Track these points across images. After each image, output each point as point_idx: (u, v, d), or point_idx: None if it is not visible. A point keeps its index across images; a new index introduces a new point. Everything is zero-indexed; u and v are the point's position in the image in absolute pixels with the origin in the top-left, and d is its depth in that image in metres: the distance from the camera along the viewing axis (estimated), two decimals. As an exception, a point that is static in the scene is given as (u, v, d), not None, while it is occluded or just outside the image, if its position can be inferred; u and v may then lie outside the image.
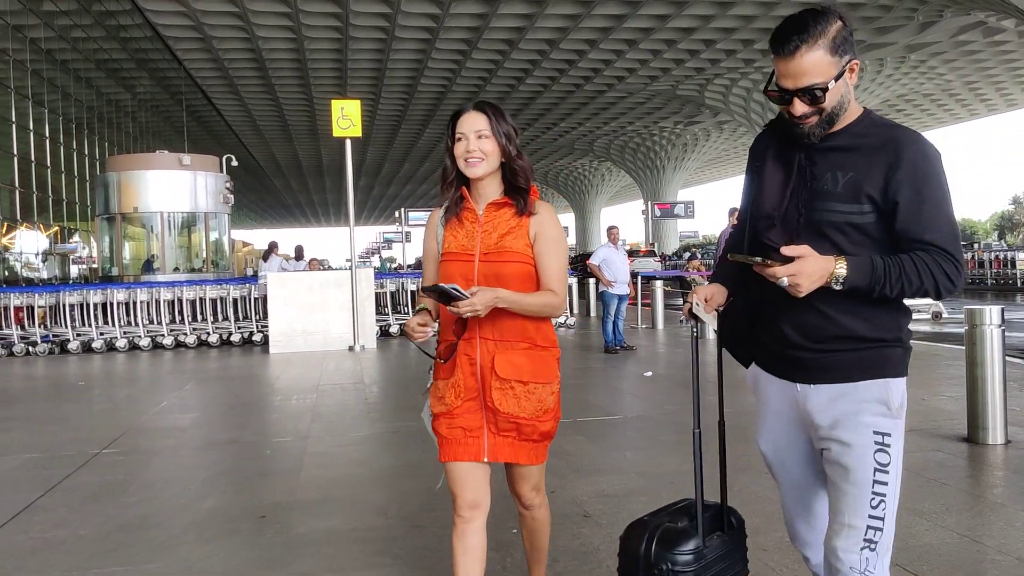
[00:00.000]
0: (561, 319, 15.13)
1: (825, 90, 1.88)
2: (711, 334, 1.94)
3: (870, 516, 1.95)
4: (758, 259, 1.90)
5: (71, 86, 31.65)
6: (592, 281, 16.97)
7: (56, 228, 30.07)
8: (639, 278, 15.68)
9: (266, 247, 18.16)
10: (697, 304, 2.25)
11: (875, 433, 1.95)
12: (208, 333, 13.59)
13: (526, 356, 2.44)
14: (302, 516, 4.28)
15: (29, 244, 27.96)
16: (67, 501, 4.65)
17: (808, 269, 1.83)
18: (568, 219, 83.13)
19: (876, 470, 1.94)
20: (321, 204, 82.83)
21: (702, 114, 45.24)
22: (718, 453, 2.37)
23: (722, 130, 49.99)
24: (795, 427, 2.12)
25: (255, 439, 6.32)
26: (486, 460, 2.47)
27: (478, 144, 2.41)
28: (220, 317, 13.90)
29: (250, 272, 33.08)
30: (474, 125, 2.42)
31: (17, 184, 26.88)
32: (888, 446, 1.95)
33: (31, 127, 27.94)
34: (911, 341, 2.08)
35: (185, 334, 13.52)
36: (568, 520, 3.95)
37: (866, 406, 1.96)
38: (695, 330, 2.36)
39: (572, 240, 79.12)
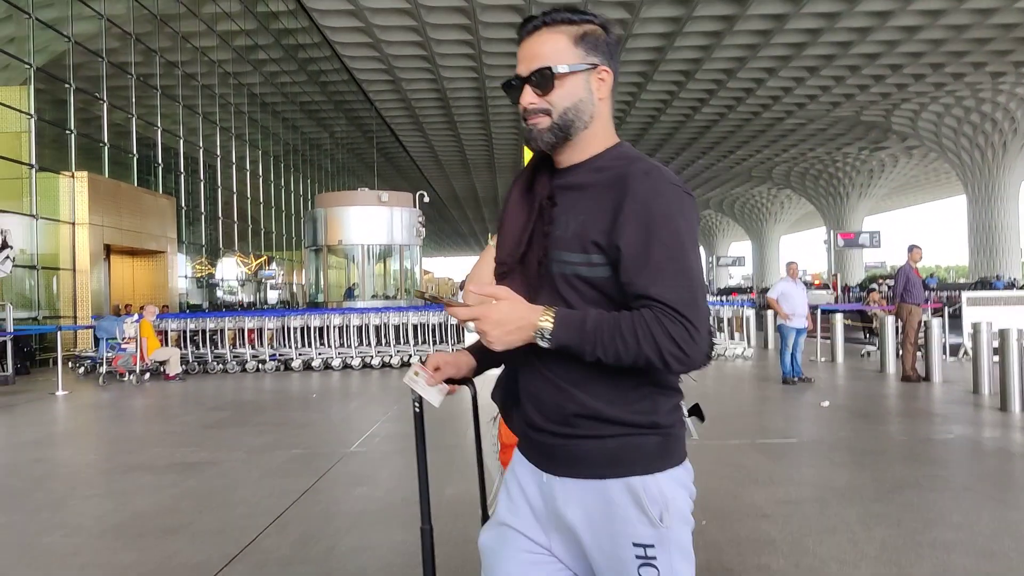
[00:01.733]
0: (739, 350, 15.55)
1: (554, 74, 1.57)
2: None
3: None
4: (435, 296, 1.61)
5: (278, 128, 35.12)
6: (770, 313, 17.25)
7: (265, 257, 33.22)
8: (818, 311, 15.84)
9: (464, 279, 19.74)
10: (415, 374, 1.83)
11: (635, 545, 1.53)
12: (410, 355, 15.09)
13: None
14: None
15: (233, 271, 31.06)
16: (335, 485, 5.83)
17: (496, 315, 1.48)
18: (745, 247, 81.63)
19: None
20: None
21: (889, 139, 43.85)
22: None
23: (911, 156, 48.10)
24: (535, 527, 1.67)
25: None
26: None
27: None
28: (419, 340, 15.40)
29: (431, 298, 35.06)
30: None
31: (236, 218, 30.20)
32: (653, 559, 1.52)
33: (247, 167, 31.31)
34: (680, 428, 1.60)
35: (391, 355, 15.09)
36: (748, 518, 4.70)
37: (617, 510, 1.54)
38: (416, 405, 1.97)
39: (748, 270, 77.54)
